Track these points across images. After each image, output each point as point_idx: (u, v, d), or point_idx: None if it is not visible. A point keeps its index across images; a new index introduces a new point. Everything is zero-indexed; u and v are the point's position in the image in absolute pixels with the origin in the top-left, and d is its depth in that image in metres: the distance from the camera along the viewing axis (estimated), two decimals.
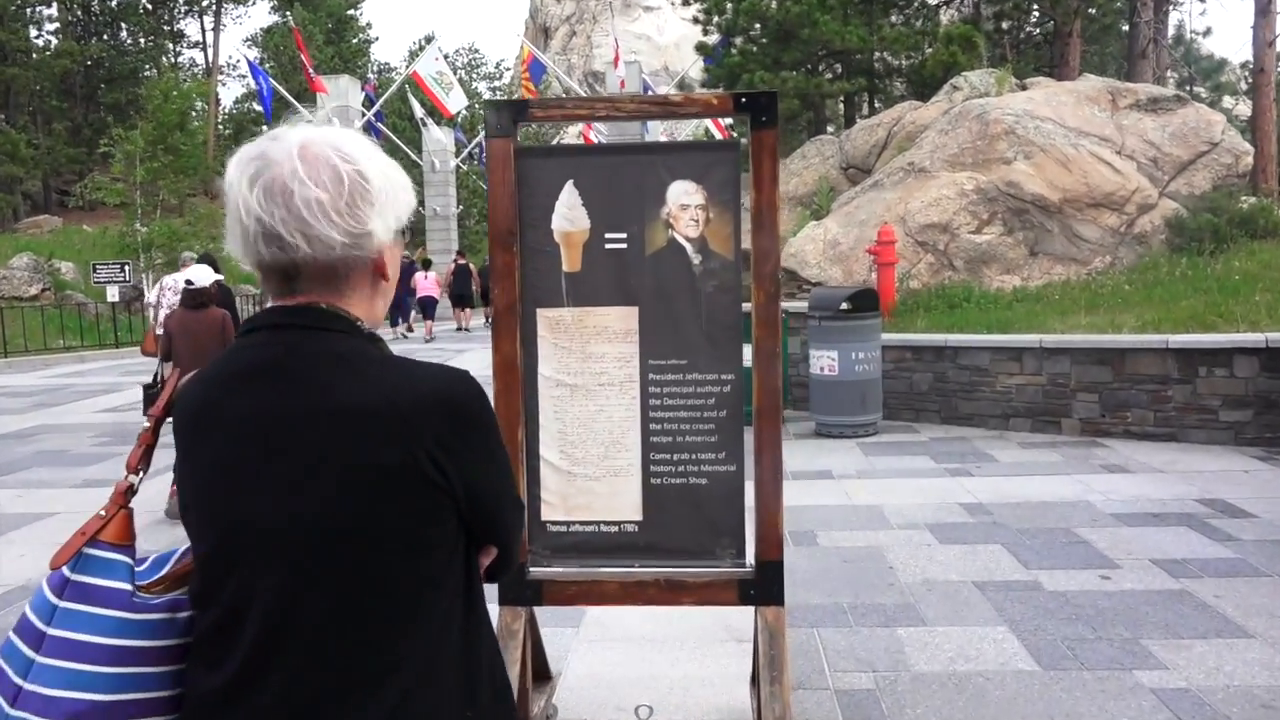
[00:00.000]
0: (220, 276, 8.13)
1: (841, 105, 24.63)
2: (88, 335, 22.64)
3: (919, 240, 12.48)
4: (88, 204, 33.78)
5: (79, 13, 47.40)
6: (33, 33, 44.00)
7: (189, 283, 7.05)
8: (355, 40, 54.07)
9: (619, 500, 3.14)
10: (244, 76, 51.25)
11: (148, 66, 47.59)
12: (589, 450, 3.14)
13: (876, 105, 22.61)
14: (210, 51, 53.06)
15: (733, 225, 3.05)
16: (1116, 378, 8.56)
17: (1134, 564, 5.25)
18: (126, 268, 23.74)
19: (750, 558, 3.12)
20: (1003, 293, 11.48)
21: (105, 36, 47.91)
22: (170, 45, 52.93)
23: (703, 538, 3.13)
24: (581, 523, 3.16)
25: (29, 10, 42.93)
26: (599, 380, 3.12)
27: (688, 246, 3.06)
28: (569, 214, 3.08)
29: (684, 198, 3.04)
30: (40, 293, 26.49)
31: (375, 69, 56.21)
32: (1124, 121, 13.31)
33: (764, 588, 3.07)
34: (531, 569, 3.16)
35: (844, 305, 9.27)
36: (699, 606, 3.13)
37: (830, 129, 22.96)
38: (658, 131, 34.32)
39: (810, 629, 4.53)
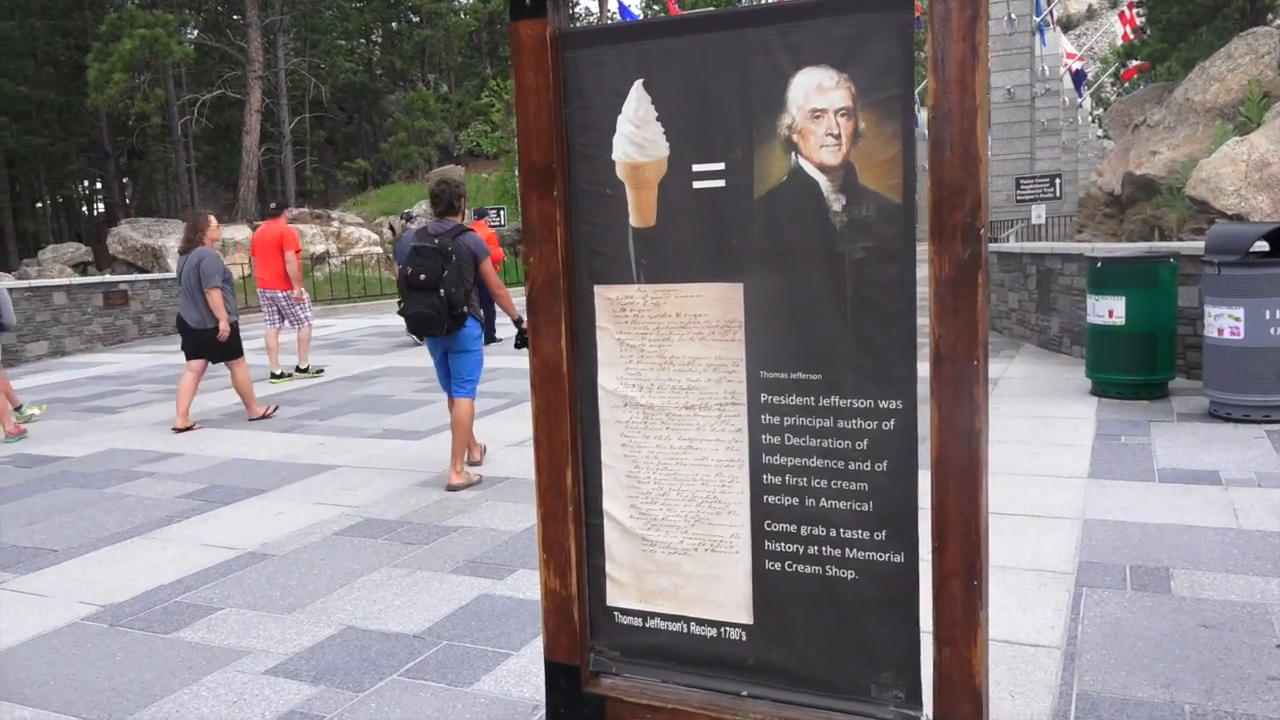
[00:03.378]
0: None
1: None
2: None
3: None
4: (490, 154, 36.50)
5: None
6: None
7: None
8: None
9: (719, 589, 2.01)
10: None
11: None
12: (673, 508, 2.02)
13: None
14: None
15: (901, 142, 1.75)
16: None
17: None
18: (502, 212, 25.15)
19: (928, 706, 1.85)
20: None
21: None
22: None
23: (848, 664, 1.91)
24: (664, 616, 2.06)
25: None
26: (685, 400, 1.99)
27: (823, 181, 1.81)
28: (638, 135, 1.95)
29: (817, 98, 1.79)
30: (394, 240, 29.14)
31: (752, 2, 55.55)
32: None
33: None
34: (596, 677, 2.12)
35: (1257, 246, 7.01)
36: None
37: (1274, 21, 18.64)
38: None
39: None
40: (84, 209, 45.72)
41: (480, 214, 15.52)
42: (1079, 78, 32.66)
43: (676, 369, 1.98)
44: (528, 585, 4.58)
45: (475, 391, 6.45)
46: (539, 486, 2.08)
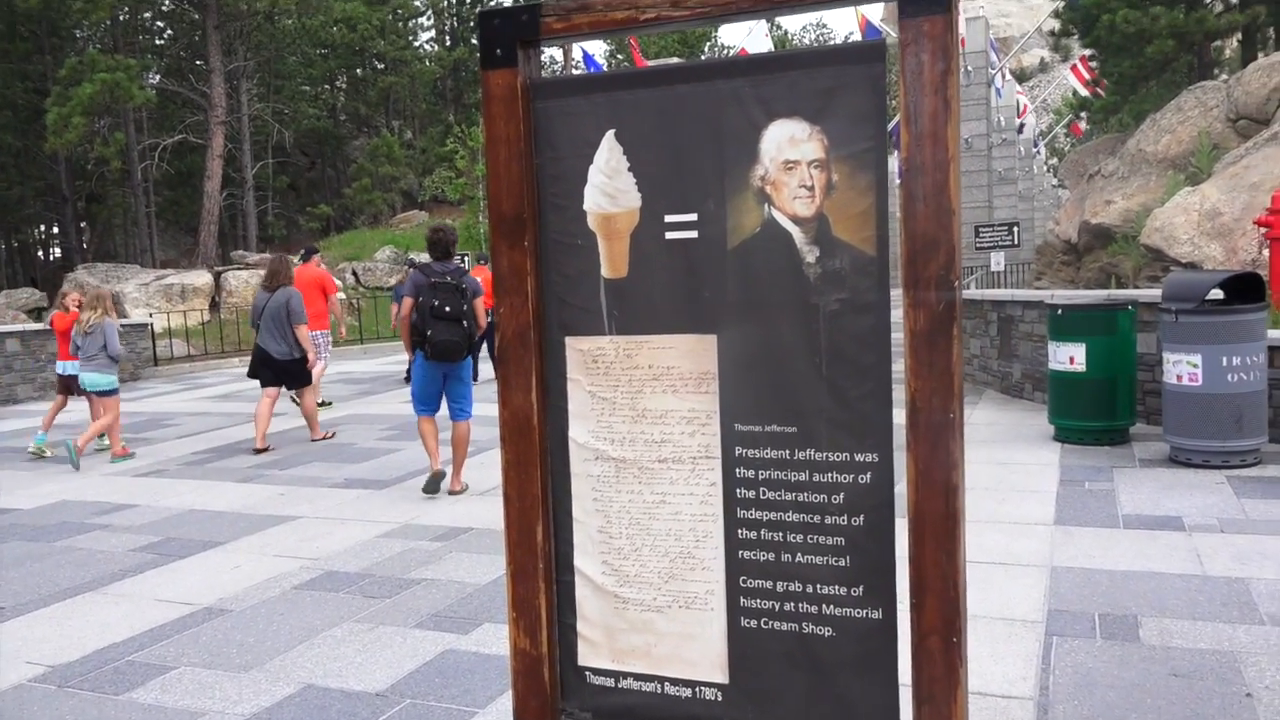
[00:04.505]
0: None
1: (1237, 43, 20.61)
2: None
3: None
4: (454, 200, 36.55)
5: (453, 22, 51.72)
6: (414, 42, 48.68)
7: None
8: None
9: (693, 647, 1.96)
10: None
11: None
12: (646, 564, 1.98)
13: None
14: (564, 45, 55.84)
15: (874, 195, 1.76)
16: None
17: None
18: (466, 258, 25.11)
19: None
20: None
21: (474, 40, 51.86)
22: None
23: None
24: (637, 676, 2.01)
25: (405, 22, 47.40)
26: (659, 454, 1.96)
27: (796, 232, 1.81)
28: (610, 185, 1.94)
29: (789, 149, 1.80)
30: (399, 283, 28.99)
31: (718, 49, 56.45)
32: None
33: None
34: None
35: (1213, 294, 7.15)
36: None
37: (1220, 76, 19.22)
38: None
39: None
40: (40, 254, 45.11)
41: (482, 259, 17.13)
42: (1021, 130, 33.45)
43: (649, 422, 1.96)
44: (493, 640, 4.48)
45: (471, 413, 7.58)
46: (509, 542, 2.03)
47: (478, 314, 7.25)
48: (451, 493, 7.42)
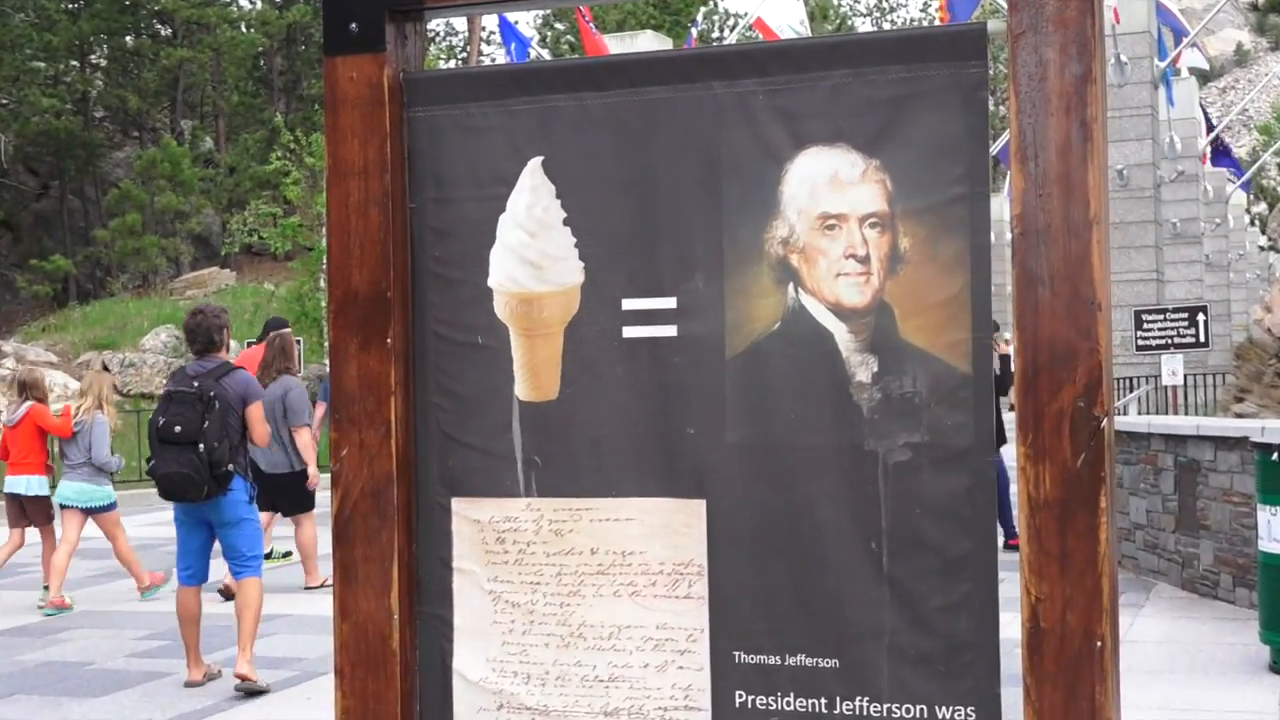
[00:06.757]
0: None
1: None
2: None
3: None
4: (280, 253, 36.98)
5: None
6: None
7: None
8: None
9: None
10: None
11: None
12: None
13: None
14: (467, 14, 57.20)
15: (968, 272, 1.81)
16: None
17: None
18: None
19: None
20: None
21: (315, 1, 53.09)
22: None
23: None
24: None
25: None
26: (605, 702, 1.97)
27: (841, 332, 1.85)
28: (534, 248, 1.99)
29: (830, 197, 1.86)
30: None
31: (718, 22, 58.04)
32: None
33: None
34: None
35: None
36: None
37: None
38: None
39: None
40: None
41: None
42: (1221, 156, 34.34)
43: (590, 645, 1.96)
44: None
45: (261, 569, 8.41)
46: None
47: (252, 429, 8.13)
48: (242, 680, 8.11)
